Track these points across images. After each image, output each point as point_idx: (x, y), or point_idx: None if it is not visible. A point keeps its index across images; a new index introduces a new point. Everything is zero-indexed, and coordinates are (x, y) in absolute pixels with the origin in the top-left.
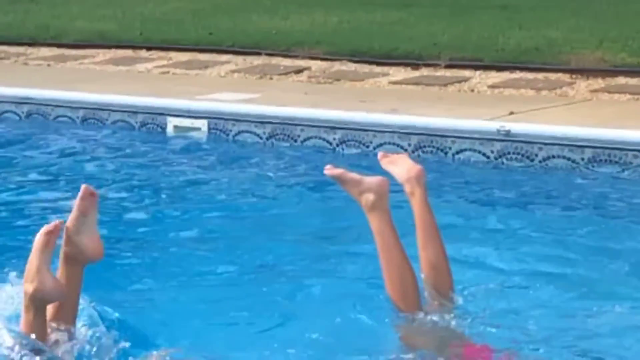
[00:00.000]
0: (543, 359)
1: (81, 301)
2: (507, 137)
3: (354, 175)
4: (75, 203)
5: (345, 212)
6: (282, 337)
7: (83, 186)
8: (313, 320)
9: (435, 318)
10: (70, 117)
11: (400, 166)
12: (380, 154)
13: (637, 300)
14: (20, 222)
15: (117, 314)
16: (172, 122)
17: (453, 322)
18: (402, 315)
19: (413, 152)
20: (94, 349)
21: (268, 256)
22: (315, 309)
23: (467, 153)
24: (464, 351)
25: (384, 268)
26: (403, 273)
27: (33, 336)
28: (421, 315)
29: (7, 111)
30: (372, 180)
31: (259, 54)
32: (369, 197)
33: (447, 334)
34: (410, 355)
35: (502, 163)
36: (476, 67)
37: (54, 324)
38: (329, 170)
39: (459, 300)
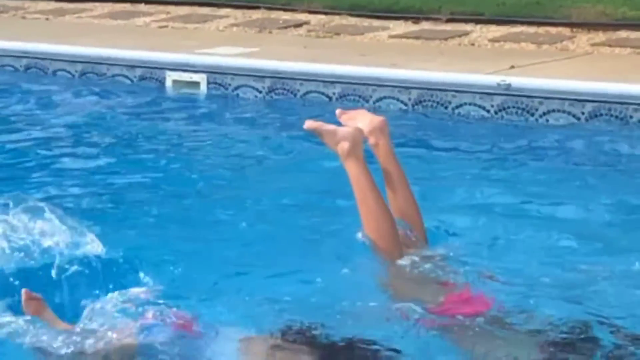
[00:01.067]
0: (540, 311)
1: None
2: (508, 91)
3: (329, 127)
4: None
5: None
6: (277, 287)
7: (22, 291)
8: (311, 271)
9: (417, 265)
10: (68, 71)
11: (361, 120)
12: (338, 111)
13: (633, 252)
14: (20, 174)
15: (120, 260)
16: (170, 77)
17: (440, 270)
18: (385, 263)
19: (413, 106)
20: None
21: (267, 208)
22: (312, 259)
23: (468, 107)
24: (454, 298)
25: (361, 212)
26: (379, 216)
27: None
28: (403, 261)
29: (5, 65)
30: (346, 129)
31: (258, 7)
32: (344, 145)
33: (435, 281)
34: (400, 305)
35: (502, 117)
36: (477, 21)
37: None
38: (307, 124)
39: (453, 249)
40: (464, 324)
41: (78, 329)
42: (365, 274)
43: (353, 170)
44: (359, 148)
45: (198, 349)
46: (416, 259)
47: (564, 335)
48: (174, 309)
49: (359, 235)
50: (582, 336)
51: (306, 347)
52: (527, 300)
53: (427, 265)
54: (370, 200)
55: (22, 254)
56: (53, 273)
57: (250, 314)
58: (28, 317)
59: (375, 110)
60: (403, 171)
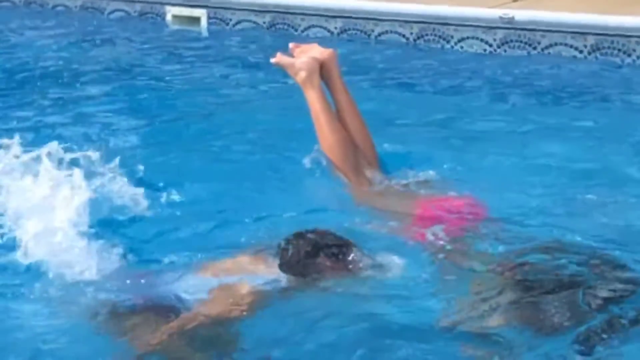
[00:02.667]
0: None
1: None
2: (510, 24)
3: (288, 59)
4: None
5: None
6: (261, 206)
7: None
8: (292, 189)
9: (384, 184)
10: (67, 6)
11: (313, 52)
12: (291, 45)
13: (628, 183)
14: (23, 102)
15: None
16: (170, 12)
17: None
18: (347, 184)
19: (415, 40)
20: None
21: (261, 136)
22: (297, 179)
23: (470, 41)
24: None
25: (317, 133)
26: (332, 136)
27: None
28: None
29: (5, 0)
30: (303, 60)
31: None
32: (302, 74)
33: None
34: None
35: (505, 51)
36: None
37: None
38: (272, 59)
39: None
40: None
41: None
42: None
43: (310, 95)
44: (315, 76)
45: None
46: (379, 179)
47: (538, 257)
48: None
49: (315, 152)
50: (560, 261)
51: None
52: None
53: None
54: (323, 122)
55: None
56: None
57: (229, 242)
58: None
59: (377, 45)
60: (352, 99)
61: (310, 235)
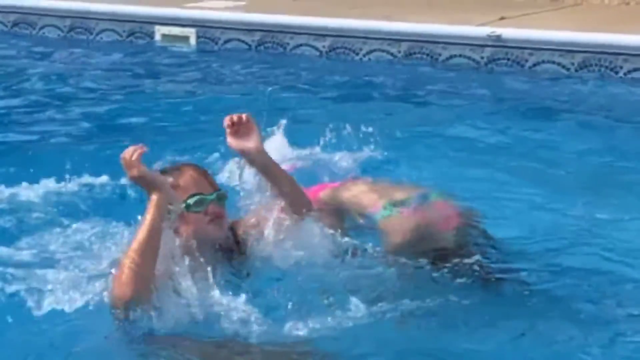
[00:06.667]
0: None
1: None
2: (498, 42)
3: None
4: None
5: (339, 113)
6: None
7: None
8: None
9: None
10: (57, 26)
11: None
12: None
13: (606, 196)
14: (12, 127)
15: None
16: (160, 31)
17: None
18: None
19: (403, 58)
20: None
21: None
22: None
23: (458, 59)
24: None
25: None
26: None
27: None
28: None
29: None
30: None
31: None
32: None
33: None
34: None
35: (493, 69)
36: None
37: None
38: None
39: None
40: None
41: None
42: None
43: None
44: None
45: None
46: None
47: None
48: None
49: None
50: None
51: None
52: None
53: None
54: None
55: None
56: None
57: None
58: None
59: (364, 63)
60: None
61: None
